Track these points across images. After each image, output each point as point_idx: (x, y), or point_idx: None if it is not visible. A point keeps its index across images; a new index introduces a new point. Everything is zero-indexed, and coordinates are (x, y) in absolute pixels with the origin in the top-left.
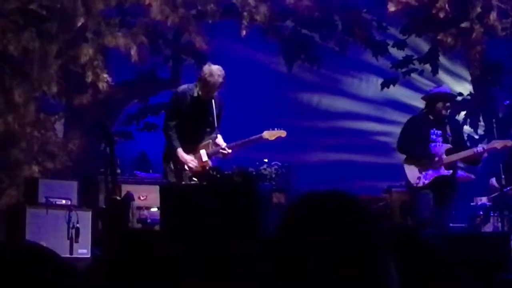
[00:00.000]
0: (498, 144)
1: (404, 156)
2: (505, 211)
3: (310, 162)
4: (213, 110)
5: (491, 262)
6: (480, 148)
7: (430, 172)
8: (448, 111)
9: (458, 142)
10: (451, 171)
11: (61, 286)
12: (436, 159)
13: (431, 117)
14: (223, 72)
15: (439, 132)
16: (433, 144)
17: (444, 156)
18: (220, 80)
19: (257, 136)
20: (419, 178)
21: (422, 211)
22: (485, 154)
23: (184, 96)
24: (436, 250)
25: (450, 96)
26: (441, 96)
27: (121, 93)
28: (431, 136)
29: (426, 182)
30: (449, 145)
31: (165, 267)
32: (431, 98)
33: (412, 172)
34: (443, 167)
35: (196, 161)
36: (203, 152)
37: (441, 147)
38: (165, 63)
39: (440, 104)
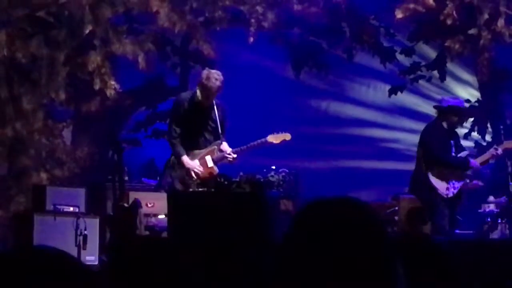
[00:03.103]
0: (509, 144)
1: (422, 166)
2: None
3: (317, 169)
4: (215, 117)
5: (499, 268)
6: (499, 150)
7: (455, 182)
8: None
9: (460, 150)
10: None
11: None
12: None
13: (445, 127)
14: (221, 76)
15: (452, 141)
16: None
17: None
18: (218, 84)
19: (262, 140)
20: (447, 188)
21: (444, 221)
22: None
23: (181, 102)
24: (445, 256)
25: (464, 111)
26: (456, 109)
27: (129, 100)
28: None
29: (455, 192)
30: (466, 152)
31: (172, 273)
32: (450, 109)
33: (440, 183)
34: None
35: (202, 168)
36: (208, 158)
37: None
38: (173, 70)
39: (455, 118)
